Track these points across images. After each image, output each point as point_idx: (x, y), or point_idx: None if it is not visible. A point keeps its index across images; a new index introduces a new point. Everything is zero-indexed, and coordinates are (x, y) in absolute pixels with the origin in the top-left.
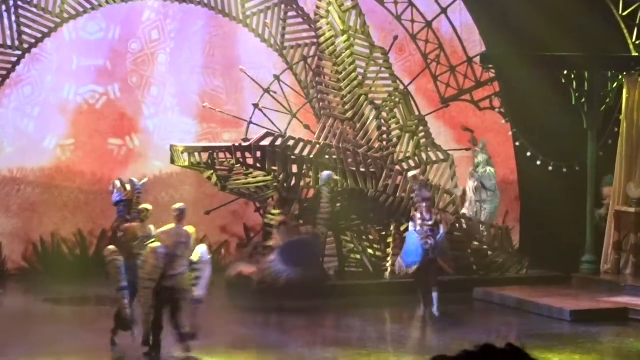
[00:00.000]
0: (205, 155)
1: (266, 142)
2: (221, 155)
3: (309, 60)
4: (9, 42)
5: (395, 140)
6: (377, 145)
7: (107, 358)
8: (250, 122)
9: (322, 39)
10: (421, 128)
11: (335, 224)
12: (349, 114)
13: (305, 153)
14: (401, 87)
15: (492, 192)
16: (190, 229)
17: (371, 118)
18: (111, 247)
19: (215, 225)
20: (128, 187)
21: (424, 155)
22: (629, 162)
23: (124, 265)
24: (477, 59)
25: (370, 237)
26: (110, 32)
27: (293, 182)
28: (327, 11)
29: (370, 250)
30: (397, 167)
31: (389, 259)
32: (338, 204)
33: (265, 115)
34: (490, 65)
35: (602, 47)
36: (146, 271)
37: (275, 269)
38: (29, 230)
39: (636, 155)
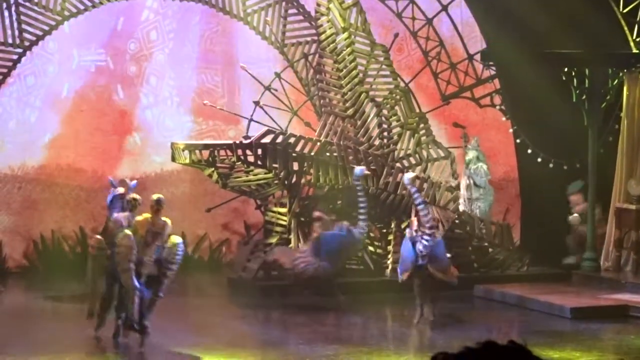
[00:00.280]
0: (206, 153)
1: (267, 139)
2: (222, 152)
3: (310, 58)
4: (9, 40)
5: (396, 137)
6: (377, 142)
7: (108, 355)
8: (251, 120)
9: (322, 37)
10: (422, 125)
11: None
12: (350, 112)
13: (306, 150)
14: (402, 84)
15: (484, 189)
16: (166, 220)
17: (372, 115)
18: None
19: (216, 223)
20: (121, 189)
21: (424, 153)
22: (630, 159)
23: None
24: (478, 56)
25: (371, 234)
26: (111, 30)
27: (294, 179)
28: (328, 8)
29: (371, 248)
30: (398, 165)
31: (389, 256)
32: (339, 202)
33: (266, 113)
34: (491, 63)
35: (603, 44)
36: (122, 255)
37: (306, 260)
38: (30, 228)
39: (637, 153)
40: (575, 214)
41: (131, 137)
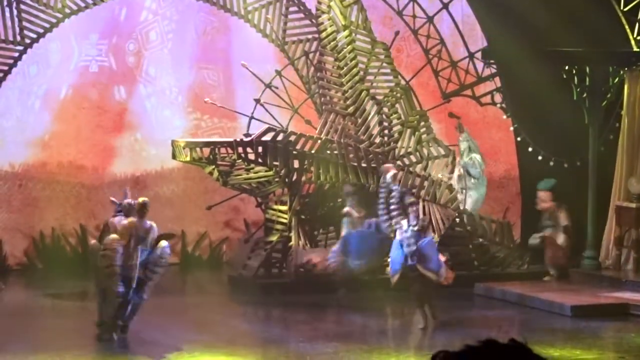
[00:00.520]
0: (206, 151)
1: (268, 137)
2: (222, 150)
3: (311, 56)
4: (10, 37)
5: (396, 135)
6: (378, 140)
7: (107, 353)
8: (251, 117)
9: (323, 34)
10: (422, 123)
11: (336, 219)
12: (351, 109)
13: (306, 148)
14: (402, 82)
15: (477, 179)
16: (152, 224)
17: (372, 113)
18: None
19: (216, 221)
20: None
21: (425, 151)
22: (630, 157)
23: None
24: (479, 54)
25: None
26: (112, 28)
27: (294, 177)
28: (329, 6)
29: None
30: (399, 163)
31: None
32: (339, 199)
33: (267, 111)
34: (492, 61)
35: (604, 43)
36: (107, 258)
37: (336, 260)
38: (31, 226)
39: (637, 151)
40: (536, 235)
41: (132, 135)
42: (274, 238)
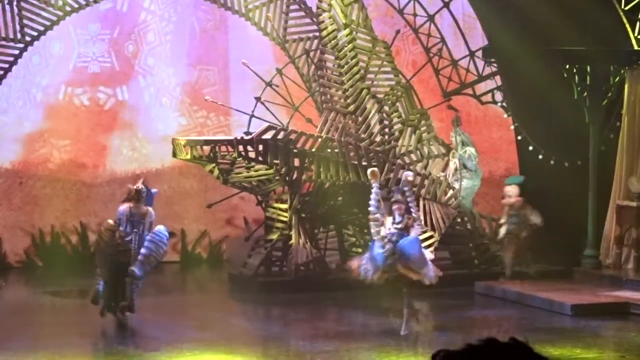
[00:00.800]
0: (207, 149)
1: (268, 135)
2: (223, 148)
3: (311, 54)
4: (10, 35)
5: (397, 134)
6: (379, 139)
7: (107, 350)
8: (252, 116)
9: (324, 33)
10: (423, 122)
11: (336, 218)
12: (351, 108)
13: (307, 147)
14: (403, 80)
15: (473, 171)
16: (149, 208)
17: (373, 112)
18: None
19: (216, 219)
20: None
21: (425, 149)
22: (631, 156)
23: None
24: (479, 53)
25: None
26: (112, 27)
27: (295, 175)
28: (330, 4)
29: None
30: (399, 161)
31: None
32: (340, 198)
33: (267, 109)
34: (492, 59)
35: (605, 41)
36: (104, 241)
37: (365, 266)
38: (31, 223)
39: (638, 150)
40: (501, 231)
41: (132, 133)
42: (274, 236)
